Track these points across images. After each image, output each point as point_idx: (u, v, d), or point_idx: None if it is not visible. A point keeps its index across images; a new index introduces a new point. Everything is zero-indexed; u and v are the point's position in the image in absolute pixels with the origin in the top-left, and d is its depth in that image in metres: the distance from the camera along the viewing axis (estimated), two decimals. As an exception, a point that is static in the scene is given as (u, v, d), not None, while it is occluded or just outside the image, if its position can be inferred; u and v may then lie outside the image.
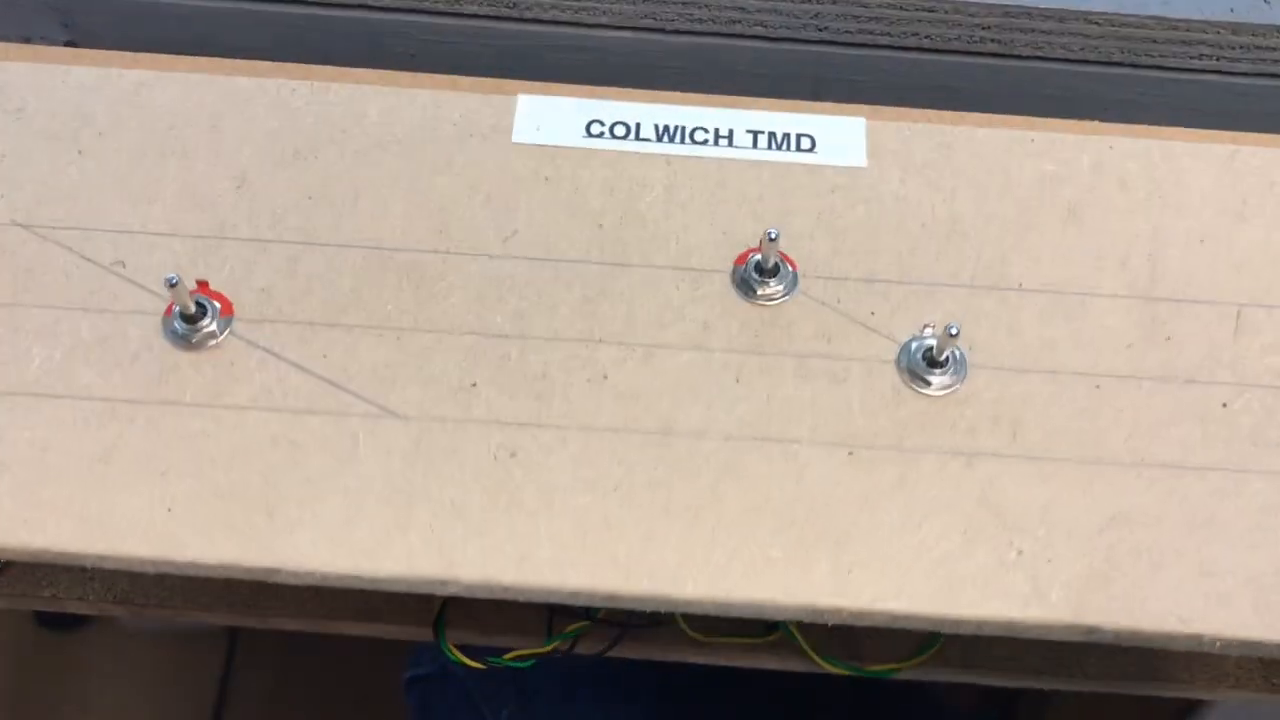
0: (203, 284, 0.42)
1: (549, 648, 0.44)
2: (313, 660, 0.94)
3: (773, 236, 0.42)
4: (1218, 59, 0.48)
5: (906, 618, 0.38)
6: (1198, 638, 0.38)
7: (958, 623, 0.38)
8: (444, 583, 0.38)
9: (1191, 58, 0.49)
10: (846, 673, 0.45)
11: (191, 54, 0.49)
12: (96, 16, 0.49)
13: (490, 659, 0.42)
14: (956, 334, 0.40)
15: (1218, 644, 0.38)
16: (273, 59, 0.49)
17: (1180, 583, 0.38)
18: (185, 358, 0.41)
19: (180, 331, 0.41)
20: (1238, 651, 0.38)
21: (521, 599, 0.38)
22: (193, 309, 0.41)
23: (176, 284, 0.40)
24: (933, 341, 0.41)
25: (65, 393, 0.40)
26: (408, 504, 0.39)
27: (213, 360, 0.41)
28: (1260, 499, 0.40)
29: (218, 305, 0.42)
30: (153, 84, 0.46)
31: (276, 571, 0.38)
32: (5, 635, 0.97)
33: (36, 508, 0.38)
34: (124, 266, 0.43)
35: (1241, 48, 0.48)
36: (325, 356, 0.41)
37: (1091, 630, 0.38)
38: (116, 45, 0.50)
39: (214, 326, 0.41)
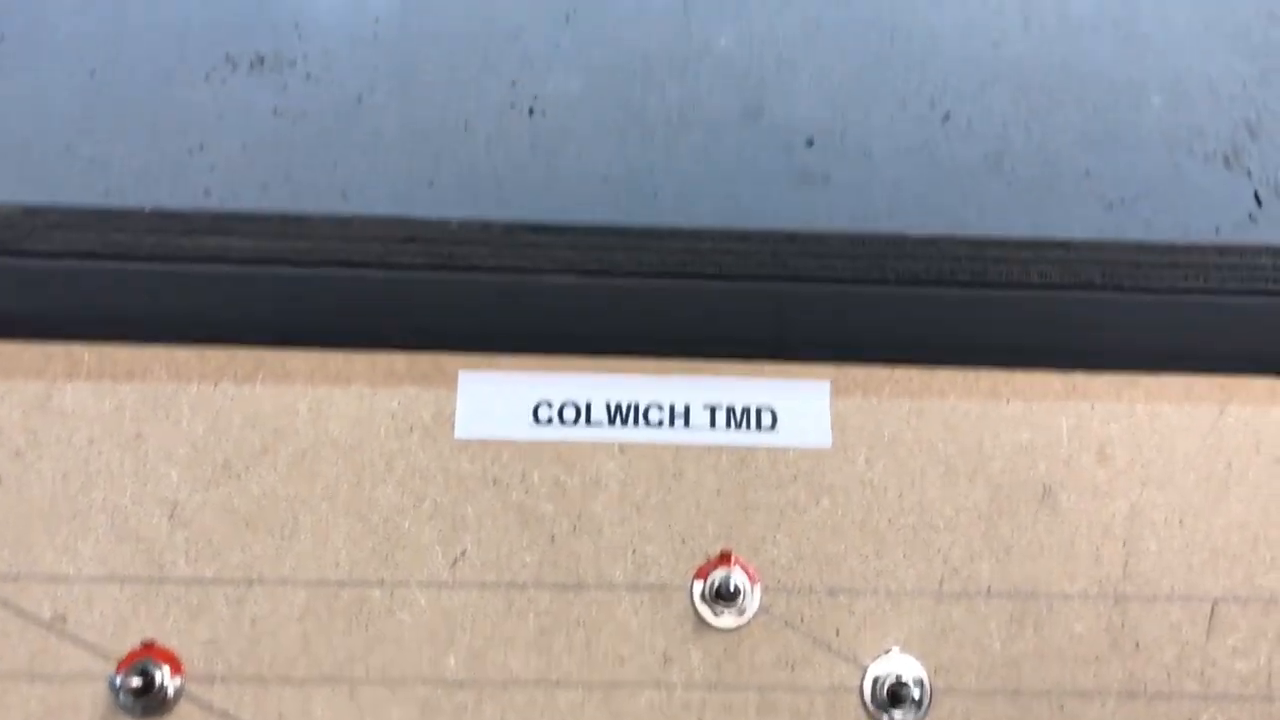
0: (148, 645, 0.41)
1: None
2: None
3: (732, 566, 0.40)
4: (1205, 280, 0.45)
5: None
6: None
7: None
8: None
9: (1177, 279, 0.45)
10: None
11: (104, 313, 0.46)
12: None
13: None
14: (921, 700, 0.40)
15: None
16: (189, 322, 0.46)
17: None
18: (139, 727, 0.40)
19: (131, 707, 0.40)
20: None
21: None
22: (139, 684, 0.40)
23: (120, 686, 0.39)
24: (896, 675, 0.41)
25: (23, 777, 0.40)
26: None
27: (167, 730, 0.40)
28: (1218, 832, 0.40)
29: (166, 668, 0.40)
30: (64, 390, 0.43)
31: None
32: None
33: None
34: (64, 622, 0.41)
35: (1230, 268, 0.45)
36: (281, 717, 0.41)
37: None
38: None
39: (165, 692, 0.40)
